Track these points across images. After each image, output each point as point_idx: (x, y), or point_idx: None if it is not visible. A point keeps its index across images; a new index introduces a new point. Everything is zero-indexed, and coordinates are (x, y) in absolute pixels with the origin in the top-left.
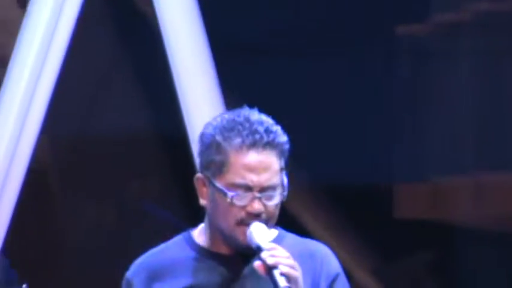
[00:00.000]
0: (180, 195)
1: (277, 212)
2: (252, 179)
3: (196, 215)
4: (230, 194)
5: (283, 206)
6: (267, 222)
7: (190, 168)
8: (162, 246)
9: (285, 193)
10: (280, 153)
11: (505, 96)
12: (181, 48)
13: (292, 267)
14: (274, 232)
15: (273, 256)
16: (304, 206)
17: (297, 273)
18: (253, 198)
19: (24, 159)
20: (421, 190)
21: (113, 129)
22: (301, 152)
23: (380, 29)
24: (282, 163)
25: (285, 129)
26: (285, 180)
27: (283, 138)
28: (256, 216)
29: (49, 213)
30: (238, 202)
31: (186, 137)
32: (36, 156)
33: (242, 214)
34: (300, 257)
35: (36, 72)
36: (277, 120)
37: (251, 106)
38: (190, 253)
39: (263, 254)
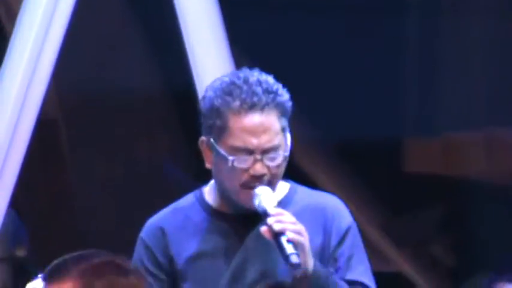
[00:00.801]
0: (190, 153)
1: (281, 172)
2: (252, 141)
3: (206, 173)
4: (231, 158)
5: (293, 162)
6: (270, 182)
7: (200, 126)
8: (175, 205)
9: (287, 153)
10: (281, 113)
11: None
12: (190, 4)
13: (298, 232)
14: (286, 186)
15: (279, 222)
16: (313, 161)
17: (303, 239)
18: (255, 161)
19: (33, 111)
20: (432, 145)
21: (122, 87)
22: (310, 107)
23: None
24: (284, 122)
25: (294, 86)
26: (288, 139)
27: (284, 97)
28: (259, 178)
29: (58, 168)
30: (240, 165)
31: (196, 95)
32: (45, 109)
33: (245, 177)
34: (311, 211)
35: (44, 26)
36: (286, 78)
37: (260, 62)
38: (202, 214)
39: (269, 220)
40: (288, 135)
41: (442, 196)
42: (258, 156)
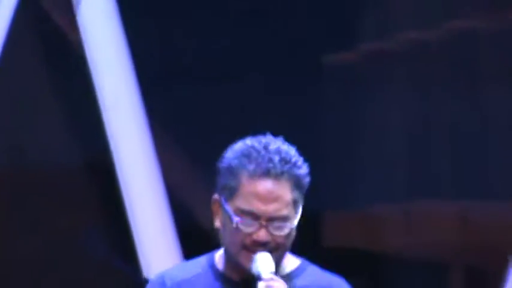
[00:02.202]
0: (109, 227)
1: (288, 243)
2: (260, 207)
3: (123, 247)
4: (236, 219)
5: None
6: (274, 251)
7: (118, 200)
8: (187, 263)
9: (294, 225)
10: (296, 185)
11: (434, 125)
12: (107, 74)
13: None
14: (297, 261)
15: (269, 287)
16: None
17: None
18: (260, 227)
19: None
20: (352, 218)
21: (42, 161)
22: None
23: (307, 57)
24: (297, 195)
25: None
26: (299, 213)
27: (301, 170)
28: (263, 245)
29: None
30: (244, 229)
31: (113, 168)
32: None
33: (248, 240)
34: (316, 287)
35: None
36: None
37: (178, 133)
38: (209, 277)
39: (259, 285)
40: (300, 209)
41: (363, 270)
42: (264, 223)
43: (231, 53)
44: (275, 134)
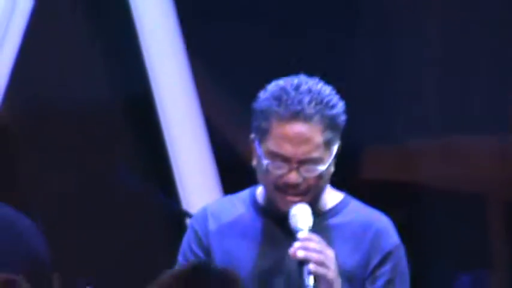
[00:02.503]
0: (148, 163)
1: (321, 184)
2: (289, 149)
3: (163, 182)
4: (266, 162)
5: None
6: (307, 192)
7: (157, 136)
8: (227, 198)
9: (330, 167)
10: (328, 126)
11: (472, 60)
12: (147, 11)
13: (322, 263)
14: (339, 196)
15: (304, 249)
16: None
17: (327, 271)
18: (291, 169)
19: None
20: (389, 152)
21: (78, 97)
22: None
23: None
24: (330, 135)
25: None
26: (334, 153)
27: (335, 110)
28: (294, 187)
29: (10, 179)
30: (274, 171)
31: (154, 105)
32: None
33: (279, 182)
34: (357, 226)
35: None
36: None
37: (217, 71)
38: (250, 209)
39: (295, 244)
40: (334, 148)
41: (402, 202)
42: (294, 165)
43: None
44: (312, 70)
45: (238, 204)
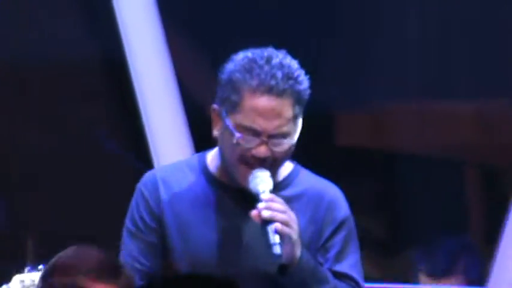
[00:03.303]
0: (122, 126)
1: (286, 158)
2: (261, 124)
3: (137, 141)
4: (237, 135)
5: None
6: (272, 166)
7: (130, 95)
8: (176, 163)
9: (294, 141)
10: (297, 100)
11: (451, 22)
12: None
13: (286, 223)
14: (289, 166)
15: (268, 209)
16: None
17: (291, 230)
18: (261, 143)
19: None
20: (364, 117)
21: (54, 55)
22: None
23: None
24: (298, 110)
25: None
26: (299, 126)
27: (303, 84)
28: (261, 160)
29: None
30: (244, 144)
31: (126, 63)
32: None
33: (247, 155)
34: (309, 197)
35: None
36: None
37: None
38: (201, 179)
39: (259, 205)
40: (299, 122)
41: (376, 168)
42: (264, 139)
43: None
44: (291, 35)
45: (188, 172)
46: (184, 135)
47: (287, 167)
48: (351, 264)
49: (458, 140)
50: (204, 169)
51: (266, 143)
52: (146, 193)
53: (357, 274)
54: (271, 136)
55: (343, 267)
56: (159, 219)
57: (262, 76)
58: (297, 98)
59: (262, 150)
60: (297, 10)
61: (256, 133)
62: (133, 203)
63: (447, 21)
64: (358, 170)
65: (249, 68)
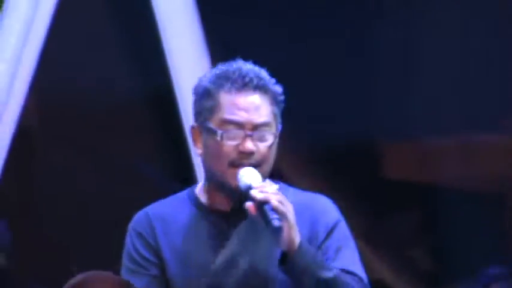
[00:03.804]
0: (169, 155)
1: (270, 156)
2: (243, 115)
3: (184, 176)
4: (220, 131)
5: (274, 167)
6: (259, 164)
7: (179, 128)
8: (165, 200)
9: (275, 144)
10: (273, 100)
11: (492, 56)
12: (168, 6)
13: (281, 202)
14: (276, 186)
15: (262, 191)
16: (293, 167)
17: (286, 209)
18: (245, 137)
19: (13, 116)
20: (409, 150)
21: (102, 90)
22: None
23: None
24: (276, 111)
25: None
26: (279, 128)
27: (275, 87)
28: (248, 156)
29: (36, 170)
30: (230, 141)
31: (174, 97)
32: (24, 113)
33: (234, 154)
34: (300, 208)
35: (25, 30)
36: None
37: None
38: (192, 209)
39: (252, 192)
40: (279, 126)
41: (420, 201)
42: (248, 132)
43: None
44: (334, 68)
45: (179, 205)
46: None
47: (274, 186)
48: (350, 261)
49: (499, 173)
50: (194, 200)
51: (251, 137)
52: (141, 230)
53: (358, 270)
54: (255, 128)
55: (343, 264)
56: (157, 253)
57: (235, 77)
58: (272, 98)
59: (247, 145)
60: (349, 51)
61: (239, 125)
62: (128, 243)
63: (488, 54)
64: (403, 202)
65: (222, 75)
